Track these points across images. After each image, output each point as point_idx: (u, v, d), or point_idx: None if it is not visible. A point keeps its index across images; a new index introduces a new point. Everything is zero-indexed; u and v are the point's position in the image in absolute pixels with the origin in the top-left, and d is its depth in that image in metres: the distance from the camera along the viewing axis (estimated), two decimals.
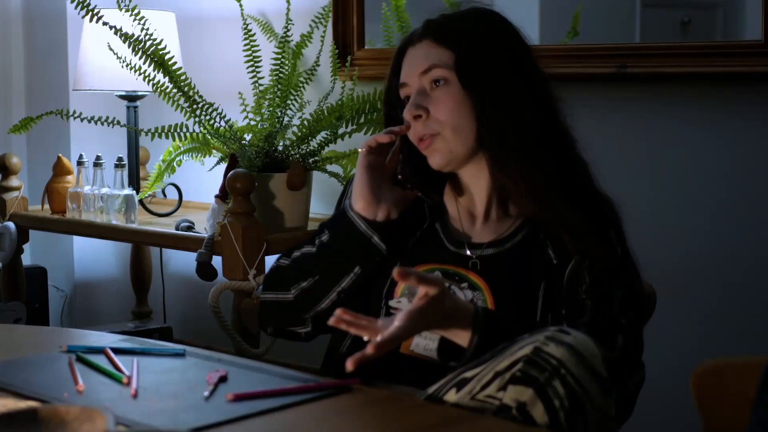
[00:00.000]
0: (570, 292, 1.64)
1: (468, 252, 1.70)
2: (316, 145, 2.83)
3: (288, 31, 2.91)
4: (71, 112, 2.80)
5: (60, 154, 3.22)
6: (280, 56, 2.85)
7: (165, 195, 3.46)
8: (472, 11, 1.74)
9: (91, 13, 2.68)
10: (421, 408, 1.41)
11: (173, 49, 3.06)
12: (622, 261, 1.68)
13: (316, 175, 2.93)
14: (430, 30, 1.70)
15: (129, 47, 2.69)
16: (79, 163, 3.10)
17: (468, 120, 1.65)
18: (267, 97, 2.84)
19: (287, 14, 2.93)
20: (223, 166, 2.83)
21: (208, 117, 2.75)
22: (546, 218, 1.66)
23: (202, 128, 2.78)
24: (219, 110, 2.76)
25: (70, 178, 3.18)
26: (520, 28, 1.75)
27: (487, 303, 1.64)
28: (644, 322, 1.74)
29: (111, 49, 2.89)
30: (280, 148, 2.79)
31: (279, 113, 2.82)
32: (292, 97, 2.84)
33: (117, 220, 2.95)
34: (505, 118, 1.65)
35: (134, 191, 3.00)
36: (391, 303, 1.69)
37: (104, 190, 2.99)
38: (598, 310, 1.62)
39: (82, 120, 2.79)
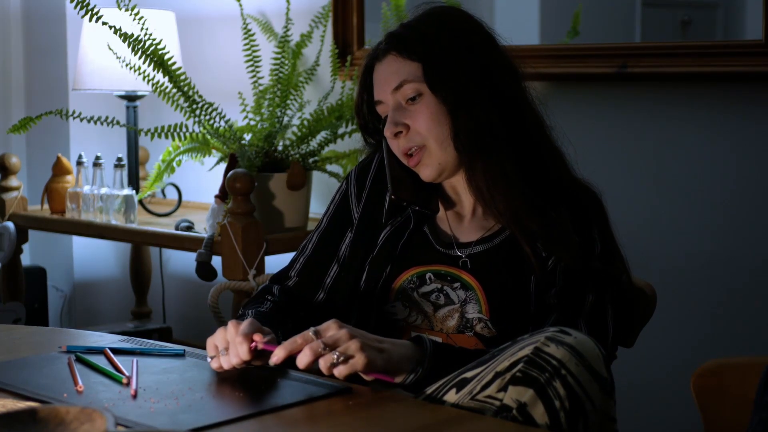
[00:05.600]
0: (541, 293, 1.63)
1: (457, 251, 1.70)
2: (315, 145, 2.83)
3: (288, 30, 2.91)
4: (71, 112, 2.80)
5: (59, 154, 3.22)
6: (280, 56, 2.85)
7: (164, 195, 3.46)
8: (432, 14, 1.72)
9: (90, 12, 2.67)
10: (421, 408, 1.41)
11: (173, 49, 3.06)
12: (602, 257, 1.66)
13: (316, 175, 2.93)
14: (393, 43, 1.69)
15: (128, 47, 2.69)
16: (79, 163, 3.10)
17: (447, 127, 1.65)
18: (267, 97, 2.84)
19: (287, 14, 2.93)
20: (223, 166, 2.83)
21: (207, 117, 2.75)
22: (513, 230, 1.66)
23: (201, 128, 2.78)
24: (219, 110, 2.76)
25: (69, 178, 3.18)
26: (482, 21, 1.73)
27: (480, 302, 1.64)
28: (629, 315, 1.71)
29: (110, 49, 2.89)
30: (279, 148, 2.79)
31: (279, 113, 2.82)
32: (291, 97, 2.84)
33: (116, 220, 2.95)
34: (473, 123, 1.64)
35: (134, 191, 3.00)
36: (386, 308, 1.68)
37: (104, 190, 2.99)
38: (562, 314, 1.60)
39: (81, 120, 2.79)
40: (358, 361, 1.43)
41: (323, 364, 1.42)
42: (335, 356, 1.42)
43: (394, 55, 1.68)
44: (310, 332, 1.45)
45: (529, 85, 1.71)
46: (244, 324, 1.51)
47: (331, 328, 1.45)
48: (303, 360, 1.43)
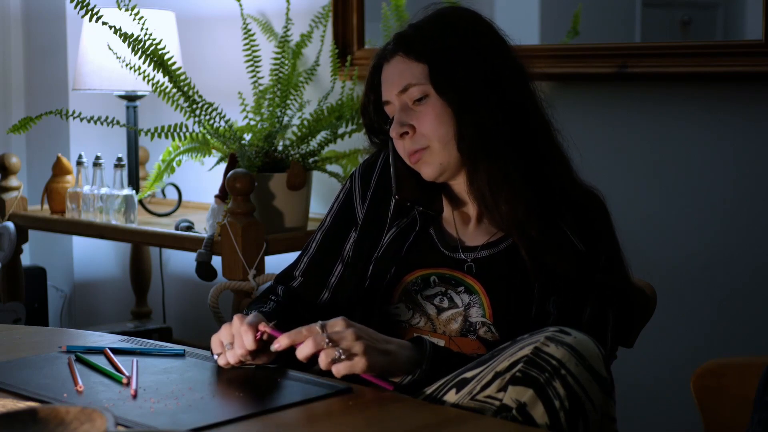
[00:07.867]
0: (542, 300, 1.62)
1: (462, 255, 1.69)
2: (315, 145, 2.83)
3: (288, 30, 2.91)
4: (71, 112, 2.80)
5: (59, 154, 3.22)
6: (279, 56, 2.85)
7: (164, 195, 3.46)
8: (441, 15, 1.71)
9: (90, 12, 2.67)
10: (421, 408, 1.41)
11: (173, 49, 3.06)
12: (606, 268, 1.66)
13: (316, 175, 2.93)
14: (401, 44, 1.69)
15: (128, 47, 2.69)
16: (79, 163, 3.10)
17: (452, 128, 1.65)
18: (267, 96, 2.84)
19: (287, 14, 2.93)
20: (223, 166, 2.83)
21: (207, 117, 2.75)
22: (513, 236, 1.65)
23: (201, 128, 2.78)
24: (219, 110, 2.76)
25: (69, 178, 3.18)
26: (492, 22, 1.72)
27: (484, 306, 1.64)
28: (629, 316, 1.71)
29: (110, 49, 2.89)
30: (279, 148, 2.79)
31: (279, 113, 2.82)
32: (291, 97, 2.84)
33: (116, 220, 2.95)
34: (477, 126, 1.63)
35: (134, 191, 3.00)
36: (389, 309, 1.68)
37: (104, 190, 2.99)
38: (560, 323, 1.59)
39: (81, 120, 2.78)
40: (359, 363, 1.43)
41: (323, 358, 1.42)
42: (338, 353, 1.42)
43: (401, 56, 1.68)
44: (316, 326, 1.45)
45: (537, 88, 1.71)
46: (249, 317, 1.52)
47: (338, 324, 1.45)
48: (304, 351, 1.43)
